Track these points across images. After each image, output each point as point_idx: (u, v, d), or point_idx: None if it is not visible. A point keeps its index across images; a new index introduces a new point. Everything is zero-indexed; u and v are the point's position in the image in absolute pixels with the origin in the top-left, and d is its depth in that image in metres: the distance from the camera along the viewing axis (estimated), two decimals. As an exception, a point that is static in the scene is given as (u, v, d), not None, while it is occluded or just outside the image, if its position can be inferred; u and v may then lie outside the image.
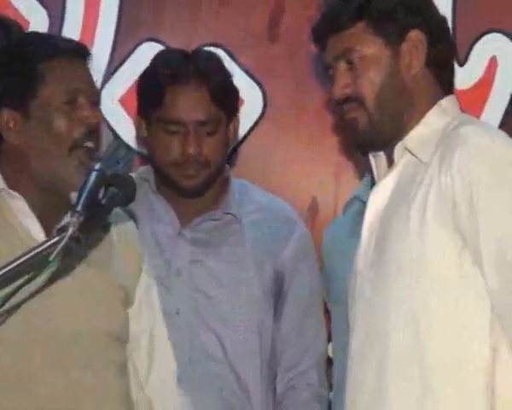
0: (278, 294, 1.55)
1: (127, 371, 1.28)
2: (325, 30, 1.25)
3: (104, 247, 1.24)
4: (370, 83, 1.22)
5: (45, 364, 1.19)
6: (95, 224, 1.04)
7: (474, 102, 1.60)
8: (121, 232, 1.29)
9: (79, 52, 1.27)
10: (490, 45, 1.60)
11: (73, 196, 1.06)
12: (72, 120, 1.20)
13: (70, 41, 1.35)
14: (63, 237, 0.94)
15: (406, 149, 1.20)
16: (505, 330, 1.12)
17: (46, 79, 1.21)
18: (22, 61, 1.24)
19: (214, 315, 1.53)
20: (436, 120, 1.21)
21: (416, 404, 1.16)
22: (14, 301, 1.05)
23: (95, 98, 1.26)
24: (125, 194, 1.06)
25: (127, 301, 1.27)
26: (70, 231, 0.93)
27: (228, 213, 1.52)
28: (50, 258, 0.95)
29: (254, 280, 1.51)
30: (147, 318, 1.31)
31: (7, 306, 1.04)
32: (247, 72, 1.71)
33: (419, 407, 1.17)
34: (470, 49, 1.59)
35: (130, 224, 1.32)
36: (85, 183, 1.01)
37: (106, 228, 1.24)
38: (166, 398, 1.32)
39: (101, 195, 1.02)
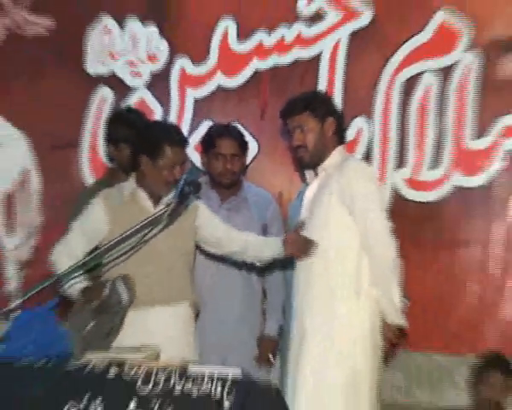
0: (264, 235, 2.76)
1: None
2: (287, 114, 2.46)
3: (185, 215, 2.39)
4: (310, 140, 2.39)
5: (153, 267, 2.32)
6: (182, 203, 2.26)
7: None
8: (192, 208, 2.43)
9: (182, 141, 2.40)
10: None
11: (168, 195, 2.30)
12: (170, 173, 2.31)
13: (178, 132, 2.45)
14: (167, 210, 2.17)
15: (324, 169, 2.41)
16: (364, 248, 2.29)
17: (164, 154, 2.29)
18: (155, 139, 2.33)
19: None
20: (337, 156, 2.40)
21: (324, 296, 2.32)
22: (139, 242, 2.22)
23: (183, 162, 2.39)
24: (196, 189, 2.29)
25: (192, 237, 2.44)
26: (171, 206, 2.16)
27: (242, 197, 2.84)
28: (163, 219, 2.18)
29: (255, 226, 2.75)
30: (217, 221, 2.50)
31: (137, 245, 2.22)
32: (251, 134, 3.14)
33: (325, 300, 2.32)
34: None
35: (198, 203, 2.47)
36: (178, 185, 2.22)
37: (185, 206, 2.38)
38: None
39: (186, 189, 2.23)
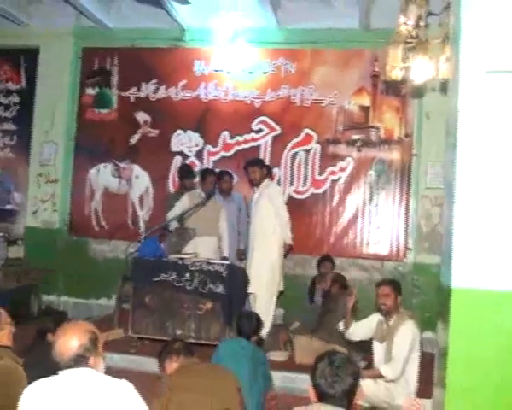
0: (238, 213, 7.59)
1: None
2: (248, 166, 7.16)
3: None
4: (257, 176, 6.84)
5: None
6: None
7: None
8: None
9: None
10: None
11: None
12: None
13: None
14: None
15: (260, 187, 6.75)
16: (277, 217, 6.75)
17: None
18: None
19: None
20: (266, 182, 6.82)
21: (262, 234, 7.15)
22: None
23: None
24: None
25: None
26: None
27: (231, 197, 7.45)
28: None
29: (235, 209, 7.41)
30: None
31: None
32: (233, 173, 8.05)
33: (263, 236, 7.17)
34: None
35: None
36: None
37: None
38: None
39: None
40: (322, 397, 2.42)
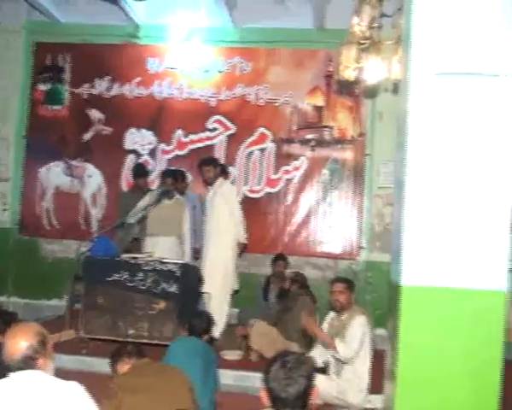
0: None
1: None
2: (201, 165, 7.29)
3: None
4: (211, 175, 6.84)
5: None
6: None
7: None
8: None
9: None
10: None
11: None
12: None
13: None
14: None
15: (214, 186, 6.94)
16: (231, 215, 6.86)
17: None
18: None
19: None
20: (219, 181, 6.90)
21: (217, 233, 7.30)
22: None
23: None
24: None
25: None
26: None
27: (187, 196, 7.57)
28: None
29: (190, 206, 7.60)
30: None
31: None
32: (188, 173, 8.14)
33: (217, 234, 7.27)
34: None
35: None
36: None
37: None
38: None
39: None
40: (276, 401, 2.33)
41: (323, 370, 4.90)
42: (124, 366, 3.58)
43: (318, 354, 5.02)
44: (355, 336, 4.69)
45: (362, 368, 4.75)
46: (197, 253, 7.19)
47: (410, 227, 3.35)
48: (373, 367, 4.80)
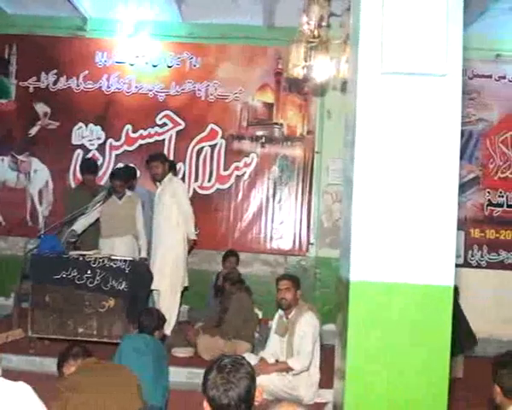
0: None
1: None
2: (150, 161, 7.00)
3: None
4: (159, 171, 7.16)
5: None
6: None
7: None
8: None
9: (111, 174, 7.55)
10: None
11: None
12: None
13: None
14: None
15: (164, 182, 7.19)
16: (181, 212, 7.30)
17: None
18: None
19: None
20: (168, 177, 7.21)
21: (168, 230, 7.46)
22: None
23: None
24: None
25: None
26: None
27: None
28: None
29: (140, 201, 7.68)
30: None
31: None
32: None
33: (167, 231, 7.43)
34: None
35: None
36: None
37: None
38: None
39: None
40: (218, 409, 2.23)
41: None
42: (70, 368, 3.54)
43: (270, 353, 5.07)
44: (306, 342, 4.73)
45: (312, 363, 4.82)
46: (149, 249, 7.13)
47: (358, 223, 3.41)
48: (322, 362, 4.87)
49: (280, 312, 5.02)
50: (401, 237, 3.37)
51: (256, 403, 2.30)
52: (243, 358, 2.37)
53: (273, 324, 5.14)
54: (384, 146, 3.46)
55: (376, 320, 3.32)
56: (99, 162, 8.01)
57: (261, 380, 4.65)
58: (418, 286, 3.30)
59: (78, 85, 8.23)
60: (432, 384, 3.29)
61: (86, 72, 8.22)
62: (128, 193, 6.81)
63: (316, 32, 5.73)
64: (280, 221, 7.94)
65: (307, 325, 4.77)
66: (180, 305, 6.68)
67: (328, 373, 4.60)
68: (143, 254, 6.59)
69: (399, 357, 3.29)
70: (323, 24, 5.78)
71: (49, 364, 5.14)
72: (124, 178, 6.86)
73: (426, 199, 3.39)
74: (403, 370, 3.29)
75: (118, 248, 6.49)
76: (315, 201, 7.90)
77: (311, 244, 7.87)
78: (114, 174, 6.91)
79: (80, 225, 6.60)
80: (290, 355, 4.86)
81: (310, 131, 7.95)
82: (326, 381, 4.78)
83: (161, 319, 4.57)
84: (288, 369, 4.79)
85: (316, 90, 7.65)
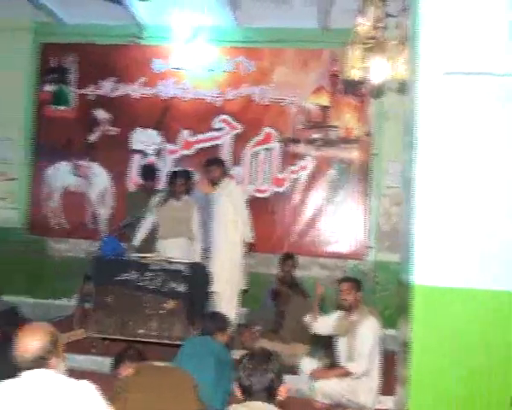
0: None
1: None
2: (207, 165, 7.01)
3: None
4: (218, 174, 6.91)
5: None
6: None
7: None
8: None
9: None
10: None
11: None
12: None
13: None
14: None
15: (220, 185, 7.14)
16: (238, 215, 7.10)
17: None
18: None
19: None
20: (225, 180, 7.05)
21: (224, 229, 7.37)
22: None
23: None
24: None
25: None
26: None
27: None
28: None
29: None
30: None
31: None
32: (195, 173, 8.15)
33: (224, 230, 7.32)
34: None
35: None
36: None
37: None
38: None
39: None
40: (243, 391, 2.50)
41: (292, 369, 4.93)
42: (126, 370, 3.61)
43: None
44: (366, 345, 4.68)
45: (372, 369, 4.77)
46: (204, 252, 7.19)
47: (420, 226, 3.36)
48: (383, 368, 4.81)
49: (339, 312, 4.99)
50: (464, 240, 3.31)
51: (280, 398, 2.51)
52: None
53: (331, 317, 5.10)
54: (446, 147, 3.41)
55: (440, 325, 3.27)
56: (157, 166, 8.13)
57: (320, 385, 4.67)
58: (483, 291, 3.24)
59: (135, 92, 8.38)
60: (497, 390, 3.22)
61: (144, 78, 8.36)
62: (185, 196, 6.88)
63: (372, 33, 5.68)
64: (337, 224, 7.89)
65: (368, 328, 4.72)
66: (238, 308, 6.71)
67: (389, 379, 4.56)
68: (197, 258, 6.61)
69: (465, 363, 3.23)
70: (379, 25, 5.73)
71: (110, 364, 5.24)
72: (185, 177, 6.99)
73: (488, 201, 3.33)
74: (469, 377, 3.22)
75: (172, 248, 6.58)
76: (373, 204, 7.81)
77: (370, 248, 7.78)
78: (175, 174, 7.03)
79: (139, 237, 6.77)
80: (349, 359, 4.82)
81: (367, 133, 7.85)
82: (386, 387, 4.72)
83: (225, 322, 4.59)
84: (348, 373, 4.75)
85: (372, 91, 7.57)
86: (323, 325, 5.12)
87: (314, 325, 5.16)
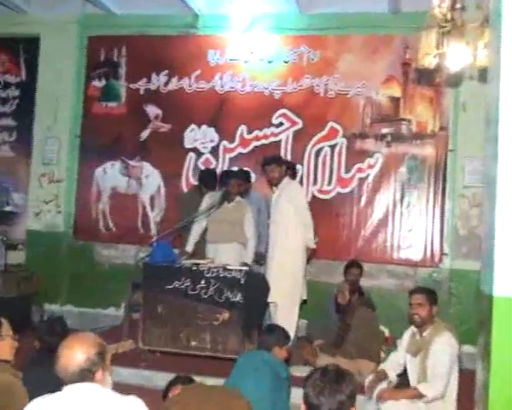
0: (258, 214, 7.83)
1: None
2: (265, 164, 6.89)
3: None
4: (277, 174, 6.65)
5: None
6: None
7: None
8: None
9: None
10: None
11: None
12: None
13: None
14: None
15: (280, 186, 6.62)
16: (299, 217, 7.08)
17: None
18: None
19: None
20: (285, 181, 6.73)
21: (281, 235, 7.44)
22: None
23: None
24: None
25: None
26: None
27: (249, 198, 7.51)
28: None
29: (255, 208, 7.65)
30: None
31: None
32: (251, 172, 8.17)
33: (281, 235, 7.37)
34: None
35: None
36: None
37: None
38: None
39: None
40: (310, 408, 2.45)
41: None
42: (175, 392, 3.63)
43: (390, 367, 4.93)
44: (441, 365, 4.52)
45: (448, 390, 4.61)
46: (261, 258, 7.18)
47: (503, 231, 3.23)
48: (460, 389, 4.66)
49: (412, 328, 4.85)
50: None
51: None
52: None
53: (402, 341, 4.97)
54: (533, 141, 3.27)
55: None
56: (213, 166, 8.16)
57: (388, 406, 4.55)
58: None
59: (190, 86, 8.45)
60: None
61: (198, 71, 8.42)
62: (237, 198, 6.87)
63: (449, 16, 5.52)
64: (409, 228, 7.71)
65: (444, 346, 4.56)
66: (298, 319, 6.64)
67: (467, 401, 4.42)
68: (248, 260, 6.62)
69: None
70: (457, 6, 5.56)
71: (160, 378, 5.28)
72: (240, 177, 7.01)
73: None
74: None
75: (222, 254, 6.59)
76: (449, 205, 7.60)
77: (445, 254, 7.58)
78: (231, 173, 7.08)
79: (191, 242, 6.85)
80: (422, 379, 4.67)
81: (442, 127, 7.67)
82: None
83: (283, 336, 4.54)
84: (420, 395, 4.61)
85: (449, 80, 7.38)
86: (393, 368, 4.96)
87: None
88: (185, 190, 8.29)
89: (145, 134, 8.55)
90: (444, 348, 4.53)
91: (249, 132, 8.27)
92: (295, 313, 6.52)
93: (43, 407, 2.59)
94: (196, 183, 7.89)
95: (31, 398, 2.70)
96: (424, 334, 4.69)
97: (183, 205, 7.46)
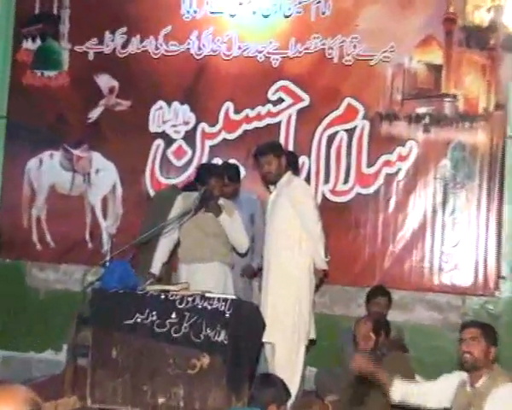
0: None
1: None
2: (259, 154, 6.59)
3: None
4: (275, 168, 6.45)
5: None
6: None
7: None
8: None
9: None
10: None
11: None
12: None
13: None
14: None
15: (279, 184, 6.52)
16: (303, 227, 6.72)
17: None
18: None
19: None
20: (286, 177, 6.54)
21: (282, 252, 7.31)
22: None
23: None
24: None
25: None
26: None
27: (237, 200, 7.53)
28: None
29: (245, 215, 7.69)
30: None
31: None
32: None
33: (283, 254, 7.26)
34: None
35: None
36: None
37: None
38: None
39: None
40: None
41: None
42: None
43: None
44: None
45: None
46: (253, 275, 7.20)
47: None
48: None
49: (462, 375, 4.82)
50: None
51: None
52: None
53: (449, 380, 4.95)
54: None
55: None
56: (188, 157, 8.26)
57: None
58: None
59: (156, 48, 8.50)
60: None
61: (169, 28, 8.45)
62: (220, 201, 6.83)
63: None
64: (454, 243, 7.63)
65: (505, 402, 4.56)
66: (304, 367, 6.62)
67: None
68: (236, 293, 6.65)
69: None
70: None
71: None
72: (227, 173, 7.12)
73: None
74: None
75: (200, 278, 6.56)
76: (508, 212, 7.61)
77: (503, 278, 7.56)
78: (212, 168, 7.12)
79: (158, 261, 6.84)
80: (474, 446, 4.68)
81: (498, 106, 7.60)
82: None
83: (282, 390, 4.53)
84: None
85: (507, 42, 7.39)
86: (435, 393, 4.96)
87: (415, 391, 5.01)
88: (151, 191, 8.25)
89: (95, 114, 8.56)
90: (503, 403, 4.52)
91: (237, 112, 8.30)
92: (300, 359, 6.48)
93: None
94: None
95: None
96: (477, 384, 4.67)
97: (158, 211, 7.32)
